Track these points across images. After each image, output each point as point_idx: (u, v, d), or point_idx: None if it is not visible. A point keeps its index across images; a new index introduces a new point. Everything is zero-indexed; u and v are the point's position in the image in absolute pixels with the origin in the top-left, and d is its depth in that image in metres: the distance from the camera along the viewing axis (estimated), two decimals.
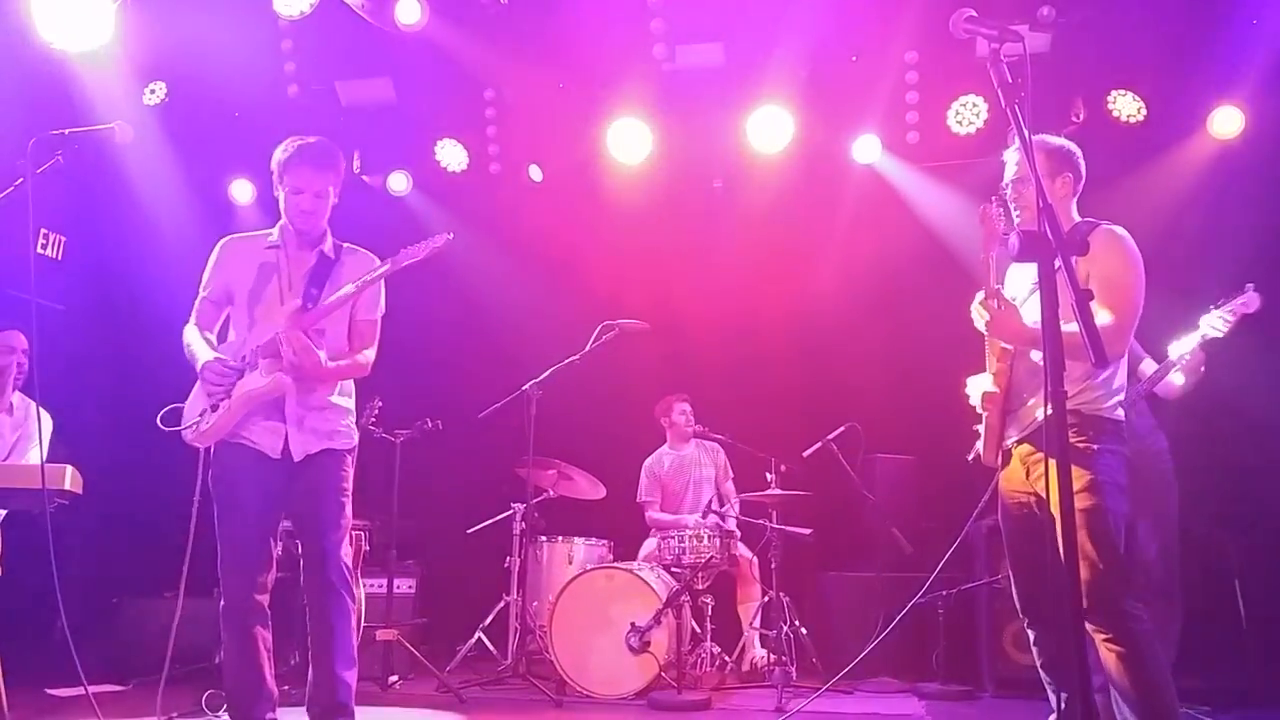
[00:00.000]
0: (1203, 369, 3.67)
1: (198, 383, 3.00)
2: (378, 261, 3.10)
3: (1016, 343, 2.64)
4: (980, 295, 2.64)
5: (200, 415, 2.91)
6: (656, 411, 5.70)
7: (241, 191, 6.32)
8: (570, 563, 4.98)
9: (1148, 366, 3.85)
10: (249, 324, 2.98)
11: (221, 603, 2.87)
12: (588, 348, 4.69)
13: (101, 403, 6.42)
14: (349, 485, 3.02)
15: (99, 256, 6.30)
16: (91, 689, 3.13)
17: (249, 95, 5.87)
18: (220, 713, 3.46)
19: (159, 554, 6.00)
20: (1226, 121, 5.23)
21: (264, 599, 2.88)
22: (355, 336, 3.04)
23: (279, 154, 3.00)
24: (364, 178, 6.14)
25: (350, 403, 3.12)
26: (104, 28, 4.36)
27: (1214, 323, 3.54)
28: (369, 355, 3.05)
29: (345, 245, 3.13)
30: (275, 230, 3.07)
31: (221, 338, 3.10)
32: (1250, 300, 3.52)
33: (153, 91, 5.72)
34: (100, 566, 6.13)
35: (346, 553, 2.96)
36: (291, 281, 2.96)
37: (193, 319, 3.07)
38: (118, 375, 6.60)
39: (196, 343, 3.00)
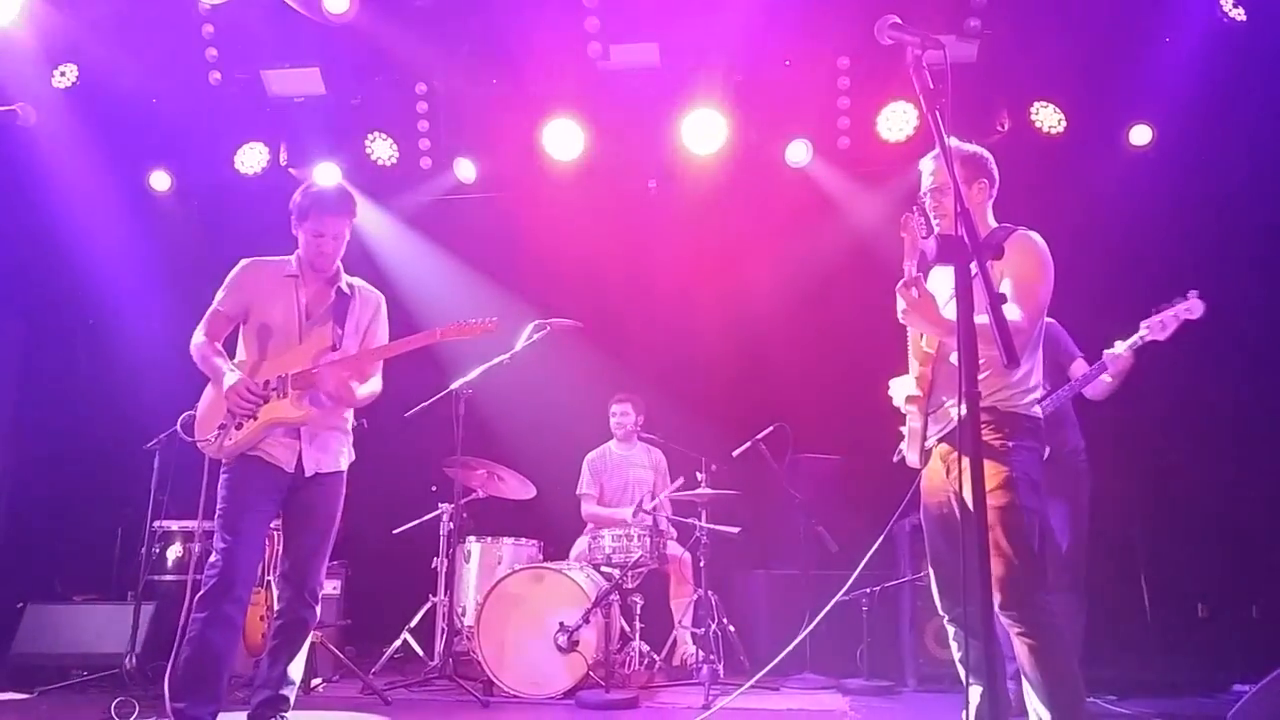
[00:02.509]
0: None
1: (208, 392, 3.18)
2: (381, 296, 3.40)
3: (931, 331, 2.68)
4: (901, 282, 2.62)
5: (220, 430, 3.09)
6: (609, 409, 5.72)
7: (159, 181, 6.08)
8: (499, 563, 4.93)
9: (1079, 368, 3.89)
10: (263, 346, 3.16)
11: (201, 592, 2.94)
12: (518, 346, 4.62)
13: (7, 403, 6.11)
14: (341, 506, 3.26)
15: (2, 248, 5.99)
16: None
17: (167, 81, 5.66)
18: None
19: (67, 558, 5.76)
20: (1142, 135, 5.49)
21: (248, 595, 3.04)
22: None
23: (299, 199, 3.21)
24: (290, 170, 5.95)
25: (350, 426, 3.35)
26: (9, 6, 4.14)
27: (1153, 326, 3.48)
28: (378, 384, 3.33)
29: (355, 281, 3.35)
30: (293, 260, 3.25)
31: (228, 349, 3.25)
32: (1194, 307, 3.41)
33: (62, 74, 5.45)
34: (4, 570, 5.82)
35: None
36: (310, 313, 3.20)
37: (203, 328, 3.20)
38: (25, 374, 6.29)
39: (216, 357, 3.16)
